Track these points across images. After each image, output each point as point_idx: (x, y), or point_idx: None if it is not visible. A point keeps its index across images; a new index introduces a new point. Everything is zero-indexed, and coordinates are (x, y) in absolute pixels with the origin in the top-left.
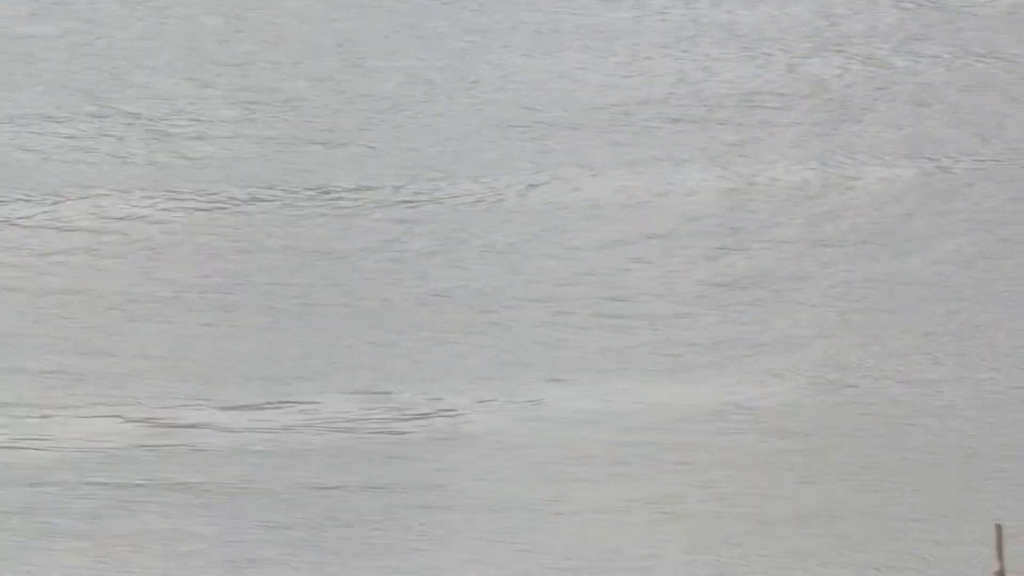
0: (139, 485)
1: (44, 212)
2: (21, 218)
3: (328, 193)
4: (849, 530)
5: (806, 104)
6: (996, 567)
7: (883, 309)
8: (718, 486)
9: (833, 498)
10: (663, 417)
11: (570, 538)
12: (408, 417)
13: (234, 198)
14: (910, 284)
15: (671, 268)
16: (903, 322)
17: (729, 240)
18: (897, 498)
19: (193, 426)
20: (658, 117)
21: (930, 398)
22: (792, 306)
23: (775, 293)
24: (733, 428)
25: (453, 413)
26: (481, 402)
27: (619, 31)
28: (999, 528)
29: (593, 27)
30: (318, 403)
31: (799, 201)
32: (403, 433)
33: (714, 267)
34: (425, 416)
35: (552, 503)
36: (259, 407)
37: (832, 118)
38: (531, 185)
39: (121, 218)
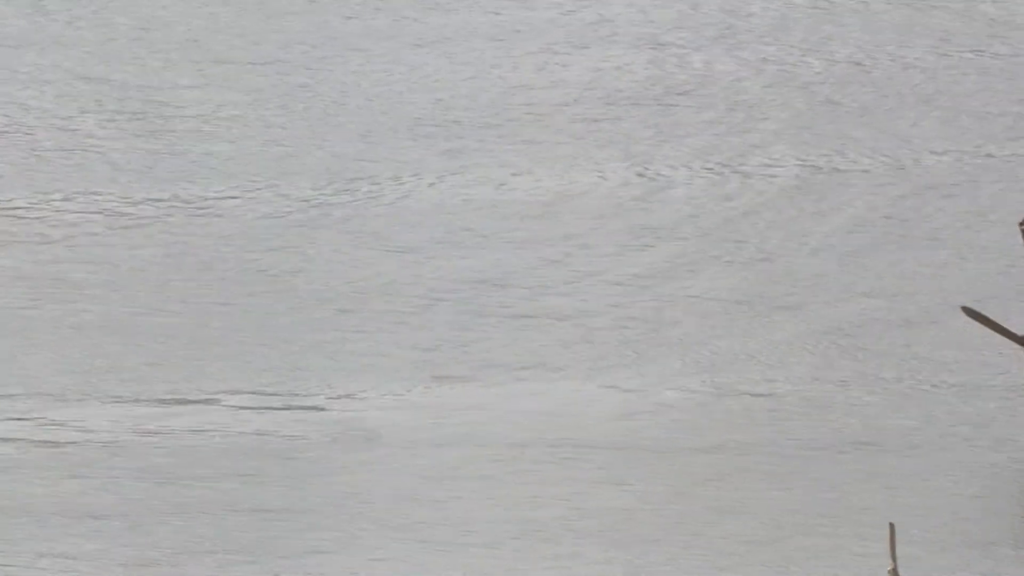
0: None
1: None
2: None
3: (237, 191)
4: (759, 528)
5: (721, 104)
6: (890, 566)
7: (784, 306)
8: (632, 484)
9: (745, 496)
10: (573, 415)
11: (483, 537)
12: (312, 416)
13: (133, 199)
14: (817, 281)
15: (584, 268)
16: (801, 320)
17: (643, 240)
18: (808, 495)
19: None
20: (572, 116)
21: (832, 394)
22: (703, 304)
23: (686, 292)
24: (645, 426)
25: (359, 411)
26: (386, 398)
27: (533, 29)
28: (892, 527)
29: (507, 25)
30: (219, 402)
31: (716, 201)
32: (305, 433)
33: (626, 266)
34: (329, 414)
35: (461, 501)
36: (159, 405)
37: (745, 117)
38: (442, 184)
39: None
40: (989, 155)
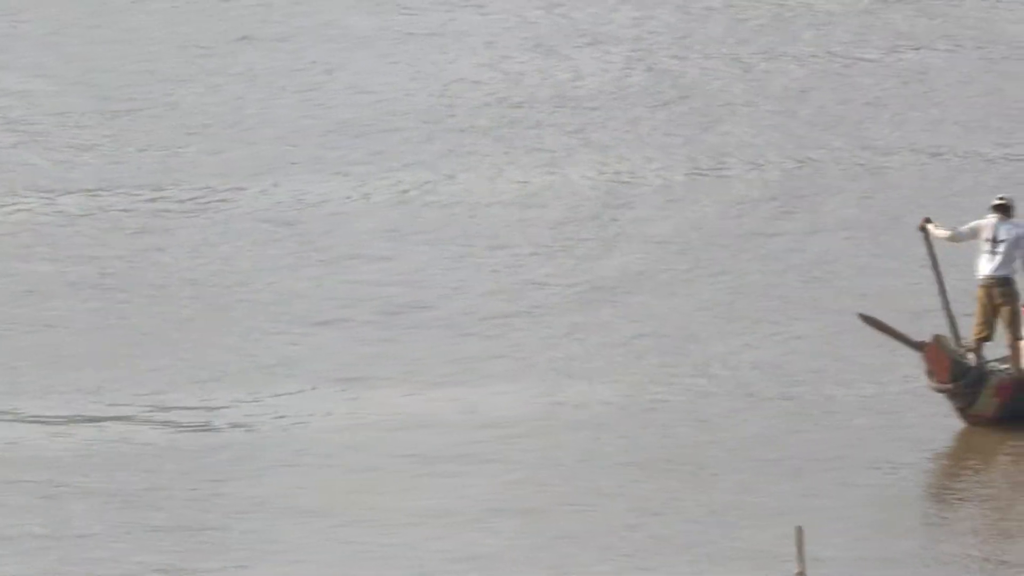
0: None
1: None
2: None
3: (160, 193)
4: (678, 527)
5: (675, 105)
6: (797, 568)
7: (723, 303)
8: (550, 485)
9: (662, 495)
10: (480, 419)
11: (406, 540)
12: (194, 422)
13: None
14: (747, 281)
15: (501, 270)
16: (735, 318)
17: (583, 240)
18: (725, 496)
19: None
20: (520, 119)
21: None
22: (627, 309)
23: (610, 295)
24: (559, 427)
25: (251, 417)
26: (275, 406)
27: (482, 33)
28: (799, 530)
29: (455, 29)
30: (100, 406)
31: (666, 202)
32: (189, 438)
33: (545, 269)
34: (212, 421)
35: (371, 508)
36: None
37: (699, 120)
38: (365, 187)
39: None
40: None
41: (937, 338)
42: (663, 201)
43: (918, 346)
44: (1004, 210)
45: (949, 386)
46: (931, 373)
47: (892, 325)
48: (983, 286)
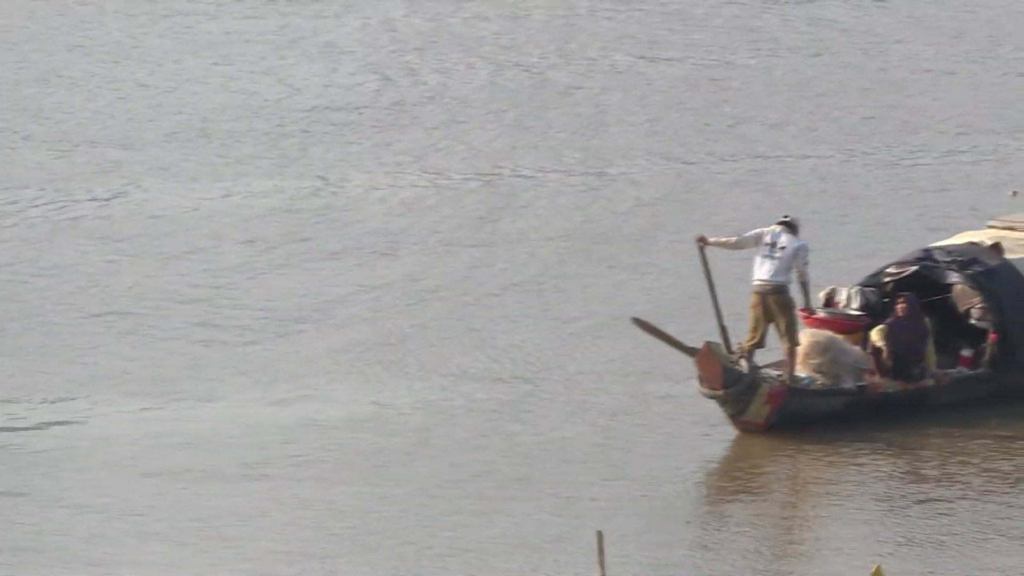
0: None
1: None
2: None
3: None
4: (513, 525)
5: (504, 111)
6: (598, 573)
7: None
8: (384, 485)
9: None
10: (318, 425)
11: (235, 543)
12: (20, 426)
13: None
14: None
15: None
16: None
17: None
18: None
19: None
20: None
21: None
22: (419, 309)
23: (402, 299)
24: (382, 430)
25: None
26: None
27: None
28: (600, 535)
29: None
30: None
31: (470, 205)
32: (16, 443)
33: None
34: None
35: (204, 511)
36: None
37: (516, 124)
38: (200, 194)
39: None
40: None
41: (708, 344)
42: (459, 205)
43: (691, 352)
44: (789, 227)
45: (720, 393)
46: (703, 379)
47: (664, 330)
48: (758, 292)
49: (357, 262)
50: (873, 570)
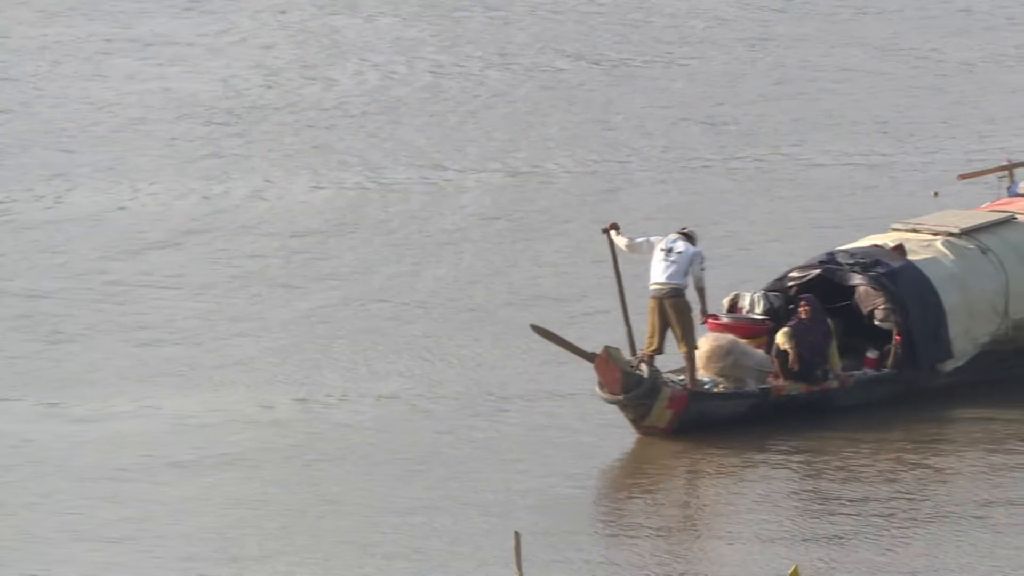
0: None
1: None
2: None
3: None
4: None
5: (430, 113)
6: (515, 573)
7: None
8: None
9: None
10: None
11: (169, 541)
12: None
13: None
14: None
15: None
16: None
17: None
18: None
19: None
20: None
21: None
22: (351, 311)
23: (334, 301)
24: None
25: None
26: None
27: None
28: (517, 536)
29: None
30: None
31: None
32: None
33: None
34: None
35: (137, 511)
36: None
37: (448, 126)
38: (44, 198)
39: None
40: None
41: (607, 349)
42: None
43: (590, 357)
44: (686, 238)
45: (620, 398)
46: (602, 385)
47: (563, 336)
48: (655, 296)
49: (290, 264)
50: (790, 571)
